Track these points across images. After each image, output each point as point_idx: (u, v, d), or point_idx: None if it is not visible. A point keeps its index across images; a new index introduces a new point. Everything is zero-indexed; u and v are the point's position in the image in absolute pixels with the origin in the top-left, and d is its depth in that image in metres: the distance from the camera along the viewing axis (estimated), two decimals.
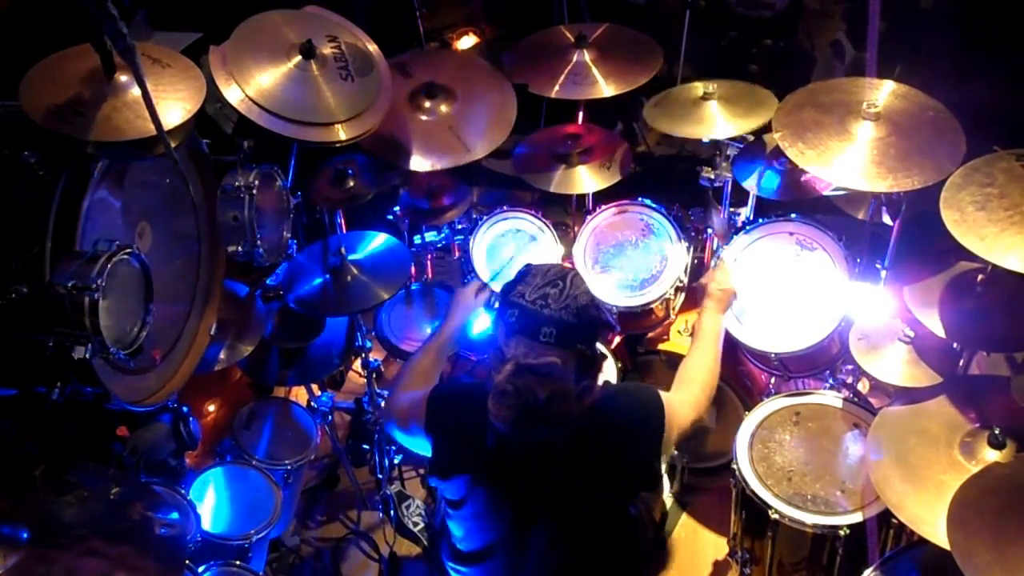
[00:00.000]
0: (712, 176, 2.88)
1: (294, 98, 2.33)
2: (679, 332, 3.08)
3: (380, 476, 3.06)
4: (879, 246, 2.63)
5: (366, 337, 2.97)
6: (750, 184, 2.79)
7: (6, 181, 1.89)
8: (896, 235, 2.53)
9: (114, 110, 1.86)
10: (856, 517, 2.36)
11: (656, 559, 3.00)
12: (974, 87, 3.22)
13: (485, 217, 3.07)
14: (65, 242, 1.88)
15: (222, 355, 2.63)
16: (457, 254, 3.25)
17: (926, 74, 2.72)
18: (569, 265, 2.62)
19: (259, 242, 2.37)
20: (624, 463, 1.92)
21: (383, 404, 2.99)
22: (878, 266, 2.62)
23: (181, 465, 2.57)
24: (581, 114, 3.21)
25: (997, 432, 2.14)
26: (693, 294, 3.02)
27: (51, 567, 1.70)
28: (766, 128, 2.64)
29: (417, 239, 3.22)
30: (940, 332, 2.31)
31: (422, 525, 2.79)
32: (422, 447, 2.05)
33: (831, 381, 2.78)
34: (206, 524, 2.54)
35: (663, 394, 2.02)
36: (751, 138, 2.82)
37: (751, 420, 2.63)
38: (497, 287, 2.46)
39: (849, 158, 2.31)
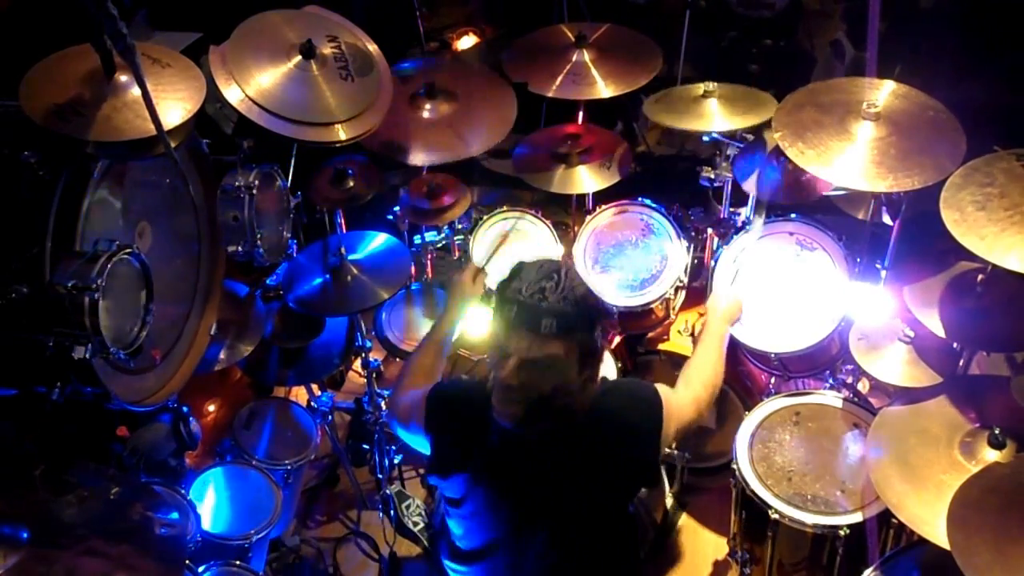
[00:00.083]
0: (712, 176, 2.88)
1: (294, 98, 2.33)
2: (679, 332, 3.08)
3: (380, 476, 3.06)
4: (879, 246, 2.63)
5: (366, 337, 2.97)
6: (749, 186, 2.80)
7: (6, 181, 1.89)
8: (896, 235, 2.53)
9: (114, 110, 1.86)
10: (856, 517, 2.36)
11: (656, 559, 3.00)
12: (974, 87, 3.22)
13: (485, 217, 3.08)
14: (65, 242, 1.88)
15: (222, 355, 2.63)
16: (457, 254, 3.25)
17: (926, 74, 2.72)
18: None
19: (259, 242, 2.37)
20: (622, 459, 1.92)
21: (386, 402, 3.01)
22: (878, 266, 2.62)
23: (181, 465, 2.57)
24: (581, 114, 3.21)
25: (997, 432, 2.13)
26: (693, 294, 3.04)
27: (51, 567, 1.69)
28: (766, 124, 2.64)
29: (417, 239, 3.22)
30: (940, 332, 2.31)
31: (422, 525, 2.79)
32: (423, 445, 2.06)
33: (831, 381, 2.78)
34: (206, 524, 2.54)
35: (662, 389, 2.02)
36: (751, 137, 2.81)
37: (751, 420, 2.63)
38: (490, 270, 2.44)
39: (849, 158, 2.31)
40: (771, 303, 2.71)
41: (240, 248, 2.37)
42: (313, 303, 2.71)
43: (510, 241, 2.88)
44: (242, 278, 2.81)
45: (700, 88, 2.82)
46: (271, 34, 2.41)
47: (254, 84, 2.29)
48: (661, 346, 3.12)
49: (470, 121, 2.92)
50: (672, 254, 2.93)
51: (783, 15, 3.91)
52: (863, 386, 2.99)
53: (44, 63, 1.91)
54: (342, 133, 2.38)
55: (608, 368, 2.90)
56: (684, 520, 3.17)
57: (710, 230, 3.04)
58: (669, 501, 3.15)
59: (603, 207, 3.04)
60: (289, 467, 2.90)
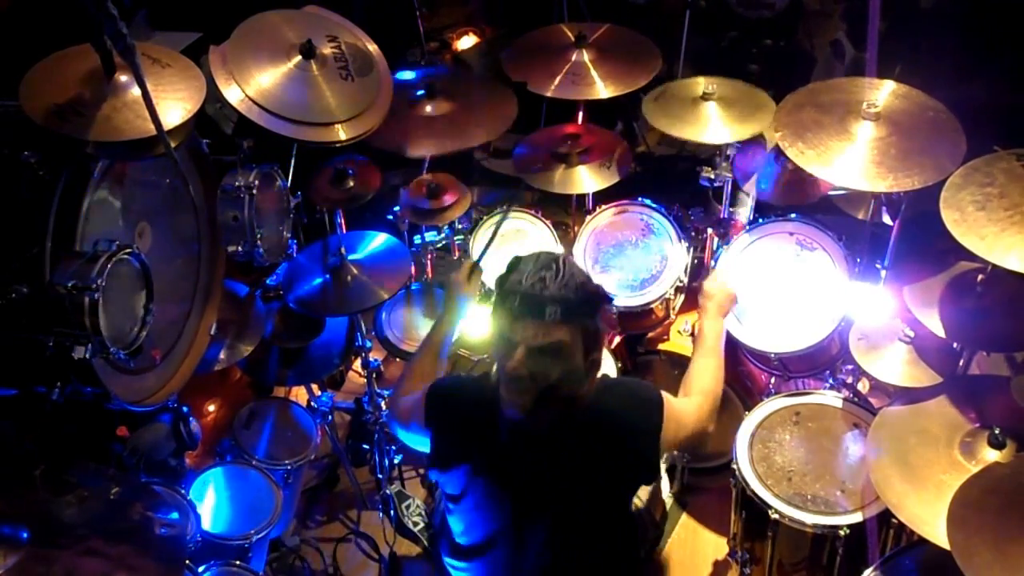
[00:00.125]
0: (712, 176, 2.88)
1: (294, 98, 2.33)
2: (679, 332, 3.08)
3: (380, 476, 3.06)
4: (879, 246, 2.64)
5: (366, 337, 2.97)
6: (749, 187, 2.80)
7: (6, 181, 1.89)
8: (896, 235, 2.53)
9: (114, 110, 1.86)
10: (856, 517, 2.36)
11: (656, 559, 3.00)
12: (974, 87, 3.22)
13: (485, 217, 3.08)
14: (65, 242, 1.88)
15: (222, 355, 2.63)
16: (457, 254, 3.25)
17: (926, 74, 2.71)
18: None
19: (259, 242, 2.37)
20: (622, 455, 1.92)
21: (386, 402, 3.01)
22: (878, 266, 2.62)
23: (181, 465, 2.57)
24: (581, 114, 3.21)
25: (997, 432, 2.13)
26: (693, 294, 3.03)
27: (51, 567, 1.69)
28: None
29: (417, 239, 3.22)
30: (940, 332, 2.31)
31: (422, 525, 2.79)
32: (424, 443, 2.06)
33: (831, 381, 2.78)
34: (206, 524, 2.54)
35: (665, 394, 2.02)
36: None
37: (751, 420, 2.63)
38: (485, 267, 2.43)
39: (849, 158, 2.31)
40: (771, 303, 2.71)
41: (240, 248, 2.37)
42: (313, 303, 2.71)
43: (508, 240, 2.88)
44: (242, 278, 2.80)
45: (700, 85, 2.81)
46: (271, 34, 2.40)
47: (254, 84, 2.29)
48: (661, 346, 3.12)
49: (470, 115, 2.94)
50: (672, 254, 2.93)
51: (783, 15, 3.91)
52: (863, 386, 2.99)
53: (44, 63, 1.91)
54: (342, 133, 2.38)
55: (608, 368, 2.90)
56: (684, 520, 3.17)
57: (710, 230, 3.04)
58: (669, 501, 3.16)
59: (603, 207, 3.04)
60: (289, 467, 2.90)
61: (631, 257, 2.97)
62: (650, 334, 3.15)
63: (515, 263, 1.82)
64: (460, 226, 3.20)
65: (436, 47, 4.28)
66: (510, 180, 3.32)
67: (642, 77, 2.94)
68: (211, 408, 3.08)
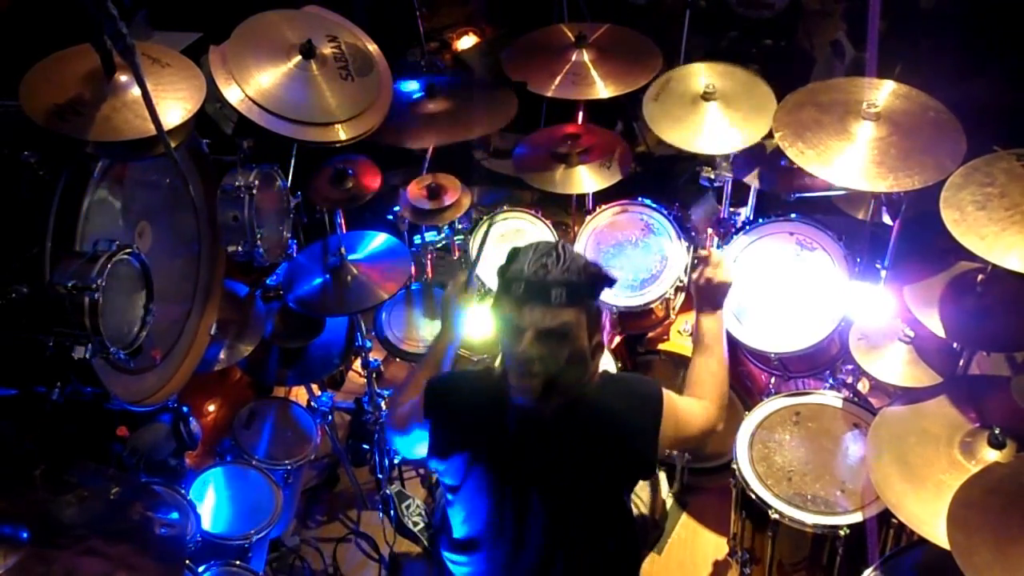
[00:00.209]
0: (712, 176, 2.88)
1: (294, 98, 2.33)
2: (679, 332, 3.08)
3: (380, 476, 3.07)
4: (879, 246, 2.63)
5: (366, 337, 2.97)
6: (751, 179, 2.79)
7: (6, 181, 1.89)
8: (896, 235, 2.53)
9: (114, 110, 1.86)
10: (856, 517, 2.36)
11: (656, 559, 3.00)
12: (974, 87, 3.22)
13: (485, 217, 3.08)
14: (65, 242, 1.88)
15: (222, 355, 2.63)
16: (457, 254, 3.25)
17: (926, 74, 2.71)
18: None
19: (259, 242, 2.37)
20: (620, 448, 1.93)
21: (386, 403, 3.01)
22: (878, 266, 2.62)
23: (181, 465, 2.57)
24: (581, 114, 3.21)
25: (997, 432, 2.14)
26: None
27: (51, 567, 1.70)
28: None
29: (417, 239, 3.22)
30: (940, 332, 2.31)
31: (422, 525, 2.79)
32: (420, 446, 2.05)
33: (831, 381, 2.78)
34: (206, 524, 2.54)
35: (666, 391, 2.02)
36: None
37: (751, 420, 2.63)
38: (481, 264, 2.42)
39: (849, 158, 2.31)
40: (771, 303, 2.71)
41: (240, 248, 2.37)
42: (313, 303, 2.71)
43: (508, 240, 2.87)
44: (242, 278, 2.81)
45: (702, 72, 2.80)
46: (271, 34, 2.41)
47: (254, 84, 2.29)
48: (661, 346, 3.11)
49: (471, 110, 2.96)
50: (672, 254, 2.93)
51: (783, 15, 3.91)
52: (863, 386, 2.99)
53: (44, 63, 1.91)
54: (342, 133, 2.38)
55: (608, 367, 2.90)
56: (684, 520, 3.17)
57: (710, 230, 3.04)
58: (669, 501, 3.16)
59: (603, 207, 3.04)
60: (289, 467, 2.90)
61: (631, 257, 2.97)
62: (650, 334, 3.14)
63: (514, 253, 1.84)
64: (460, 226, 3.20)
65: (436, 47, 4.27)
66: (510, 180, 3.31)
67: (643, 76, 2.94)
68: (211, 408, 3.08)
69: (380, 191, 2.88)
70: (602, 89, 2.95)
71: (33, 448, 2.08)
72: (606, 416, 1.91)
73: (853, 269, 2.65)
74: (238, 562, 2.55)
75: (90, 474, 2.01)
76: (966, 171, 2.17)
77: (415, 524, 2.79)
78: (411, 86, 3.02)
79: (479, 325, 2.77)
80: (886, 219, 2.58)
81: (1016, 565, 1.68)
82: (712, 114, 2.75)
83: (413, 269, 3.07)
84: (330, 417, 3.07)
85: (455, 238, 3.22)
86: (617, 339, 3.14)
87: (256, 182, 2.34)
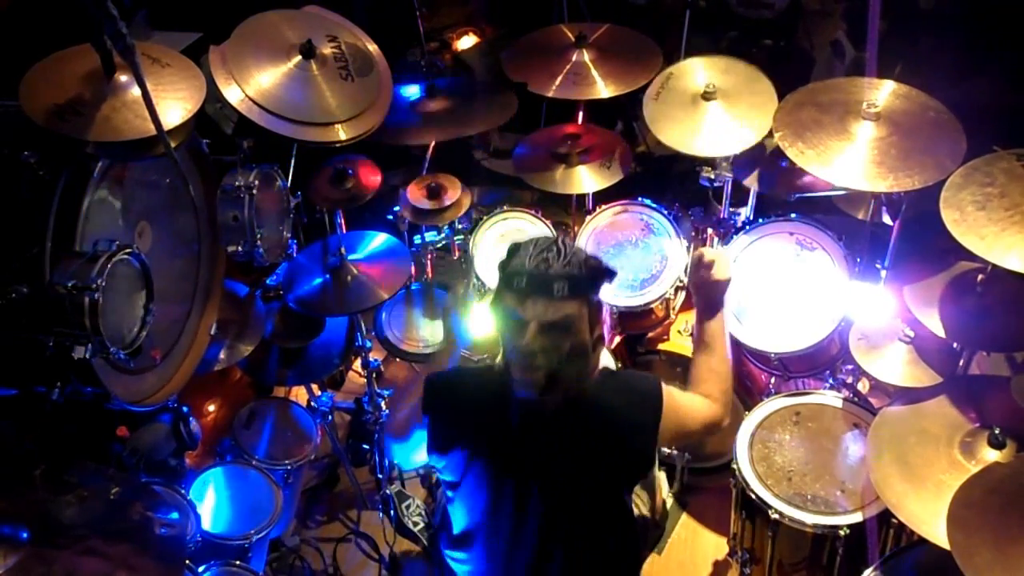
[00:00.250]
0: (712, 176, 2.88)
1: (294, 98, 2.33)
2: (679, 332, 3.08)
3: (380, 476, 3.07)
4: (879, 246, 2.63)
5: (366, 337, 2.97)
6: (751, 181, 2.79)
7: (6, 181, 1.89)
8: (896, 235, 2.53)
9: (114, 110, 1.86)
10: (856, 517, 2.36)
11: (656, 559, 3.00)
12: (974, 87, 3.22)
13: (485, 217, 3.08)
14: (65, 242, 1.88)
15: (222, 355, 2.63)
16: (457, 254, 3.25)
17: (926, 74, 2.71)
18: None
19: (259, 242, 2.37)
20: (619, 444, 1.93)
21: (386, 402, 3.01)
22: (878, 266, 2.62)
23: (181, 465, 2.57)
24: (581, 114, 3.21)
25: (997, 432, 2.13)
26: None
27: (51, 567, 1.70)
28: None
29: (417, 239, 3.22)
30: (940, 332, 2.31)
31: (422, 525, 2.79)
32: (420, 438, 2.05)
33: (831, 381, 2.78)
34: (206, 524, 2.54)
35: (666, 388, 2.02)
36: None
37: (751, 420, 2.63)
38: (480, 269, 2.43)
39: (849, 158, 2.31)
40: (771, 303, 2.71)
41: (240, 248, 2.37)
42: (313, 303, 2.71)
43: (508, 240, 2.86)
44: (242, 278, 2.80)
45: (701, 71, 2.80)
46: (271, 34, 2.40)
47: (254, 84, 2.29)
48: (661, 346, 3.11)
49: (472, 108, 2.97)
50: (672, 254, 2.93)
51: (783, 15, 3.91)
52: (863, 386, 2.99)
53: (44, 63, 1.91)
54: (342, 133, 2.38)
55: (608, 365, 2.90)
56: (684, 520, 3.17)
57: (710, 230, 3.04)
58: (669, 501, 3.16)
59: (603, 207, 3.04)
60: (289, 467, 2.90)
61: (631, 257, 2.97)
62: (650, 334, 3.14)
63: (515, 248, 1.85)
64: (460, 226, 3.20)
65: (436, 47, 4.27)
66: (510, 180, 3.31)
67: (643, 76, 2.94)
68: (211, 408, 3.08)
69: (380, 191, 2.88)
70: (602, 89, 2.95)
71: (33, 448, 2.08)
72: (606, 412, 1.92)
73: (853, 269, 2.65)
74: (238, 562, 2.55)
75: (90, 474, 2.01)
76: (966, 171, 2.16)
77: (415, 524, 2.79)
78: (411, 90, 3.03)
79: (479, 325, 2.78)
80: (886, 219, 2.57)
81: (1016, 565, 1.68)
82: (712, 114, 2.74)
83: (413, 269, 3.07)
84: (330, 417, 3.06)
85: (455, 238, 3.22)
86: (617, 339, 3.14)
87: (256, 182, 2.34)
